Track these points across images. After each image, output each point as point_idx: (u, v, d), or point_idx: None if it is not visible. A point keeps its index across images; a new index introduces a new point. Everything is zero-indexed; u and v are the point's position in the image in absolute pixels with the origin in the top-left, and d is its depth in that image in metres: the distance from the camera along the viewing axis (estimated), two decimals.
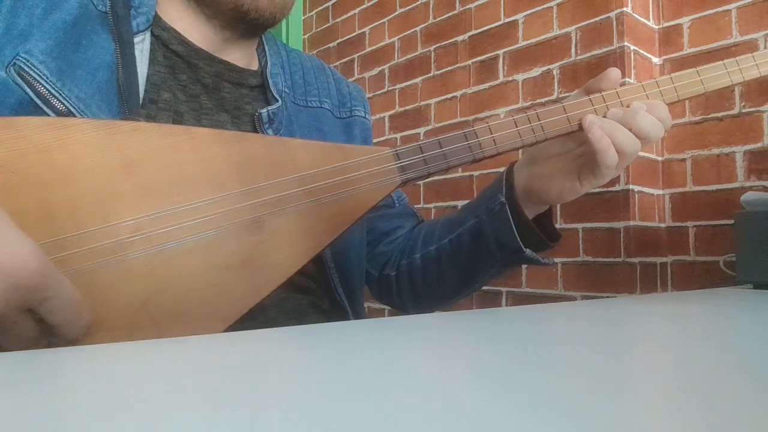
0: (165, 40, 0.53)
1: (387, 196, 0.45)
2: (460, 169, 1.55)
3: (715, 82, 0.52)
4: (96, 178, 0.37)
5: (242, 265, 0.39)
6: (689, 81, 0.51)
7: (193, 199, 0.39)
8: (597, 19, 1.28)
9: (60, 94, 0.44)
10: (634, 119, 0.46)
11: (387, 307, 1.68)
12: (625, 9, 1.24)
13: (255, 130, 0.55)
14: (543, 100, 1.38)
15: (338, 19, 2.02)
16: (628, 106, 0.49)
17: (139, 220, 0.37)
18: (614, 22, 1.25)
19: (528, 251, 0.53)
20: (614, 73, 0.49)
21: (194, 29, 0.54)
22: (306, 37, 2.17)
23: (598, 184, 0.49)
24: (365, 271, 0.67)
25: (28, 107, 0.43)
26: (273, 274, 0.41)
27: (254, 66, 0.60)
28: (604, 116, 0.48)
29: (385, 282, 0.66)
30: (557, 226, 1.32)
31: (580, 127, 0.48)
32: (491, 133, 0.47)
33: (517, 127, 0.47)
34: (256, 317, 0.51)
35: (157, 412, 0.16)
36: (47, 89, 0.44)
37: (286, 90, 0.60)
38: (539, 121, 0.47)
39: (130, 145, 0.38)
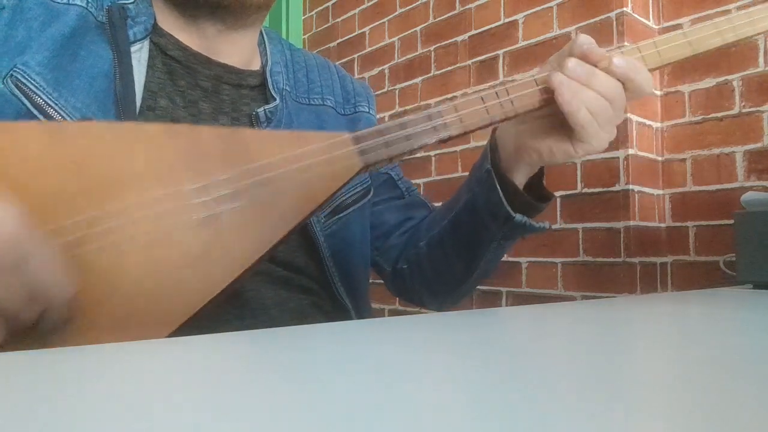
0: (162, 47, 0.53)
1: (349, 181, 0.44)
2: (460, 169, 1.55)
3: (705, 43, 0.49)
4: (46, 179, 0.37)
5: (197, 259, 0.39)
6: (675, 44, 0.48)
7: (145, 195, 0.38)
8: (597, 19, 1.28)
9: (57, 104, 0.45)
10: (590, 80, 0.44)
11: (387, 307, 1.68)
12: (625, 9, 1.24)
13: None
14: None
15: (338, 19, 2.02)
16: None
17: (90, 219, 0.36)
18: (614, 22, 1.25)
19: (518, 216, 0.51)
20: (583, 36, 0.46)
21: (187, 33, 0.55)
22: (306, 37, 2.17)
23: (590, 149, 0.46)
24: (379, 267, 0.66)
25: (25, 118, 0.44)
26: (229, 267, 0.40)
27: (255, 66, 0.60)
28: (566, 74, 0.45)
29: (399, 275, 0.65)
30: (557, 226, 1.33)
31: (547, 100, 0.45)
32: (456, 111, 0.45)
33: (484, 103, 0.45)
34: (257, 316, 0.51)
35: (156, 412, 0.16)
36: (44, 100, 0.45)
37: (287, 88, 0.60)
38: (508, 96, 0.45)
39: (81, 145, 0.38)
